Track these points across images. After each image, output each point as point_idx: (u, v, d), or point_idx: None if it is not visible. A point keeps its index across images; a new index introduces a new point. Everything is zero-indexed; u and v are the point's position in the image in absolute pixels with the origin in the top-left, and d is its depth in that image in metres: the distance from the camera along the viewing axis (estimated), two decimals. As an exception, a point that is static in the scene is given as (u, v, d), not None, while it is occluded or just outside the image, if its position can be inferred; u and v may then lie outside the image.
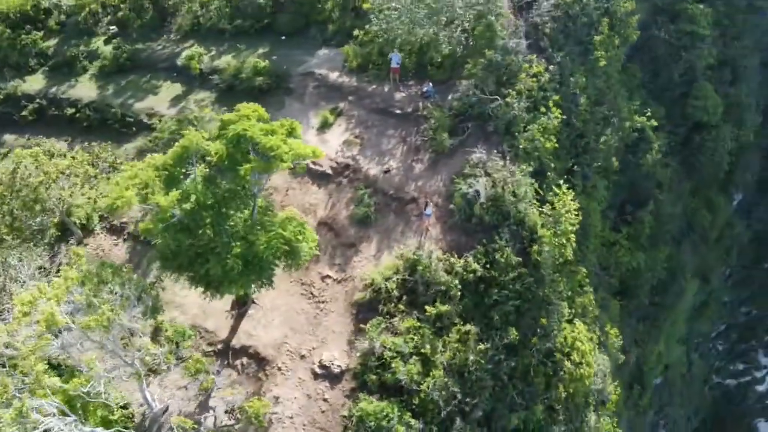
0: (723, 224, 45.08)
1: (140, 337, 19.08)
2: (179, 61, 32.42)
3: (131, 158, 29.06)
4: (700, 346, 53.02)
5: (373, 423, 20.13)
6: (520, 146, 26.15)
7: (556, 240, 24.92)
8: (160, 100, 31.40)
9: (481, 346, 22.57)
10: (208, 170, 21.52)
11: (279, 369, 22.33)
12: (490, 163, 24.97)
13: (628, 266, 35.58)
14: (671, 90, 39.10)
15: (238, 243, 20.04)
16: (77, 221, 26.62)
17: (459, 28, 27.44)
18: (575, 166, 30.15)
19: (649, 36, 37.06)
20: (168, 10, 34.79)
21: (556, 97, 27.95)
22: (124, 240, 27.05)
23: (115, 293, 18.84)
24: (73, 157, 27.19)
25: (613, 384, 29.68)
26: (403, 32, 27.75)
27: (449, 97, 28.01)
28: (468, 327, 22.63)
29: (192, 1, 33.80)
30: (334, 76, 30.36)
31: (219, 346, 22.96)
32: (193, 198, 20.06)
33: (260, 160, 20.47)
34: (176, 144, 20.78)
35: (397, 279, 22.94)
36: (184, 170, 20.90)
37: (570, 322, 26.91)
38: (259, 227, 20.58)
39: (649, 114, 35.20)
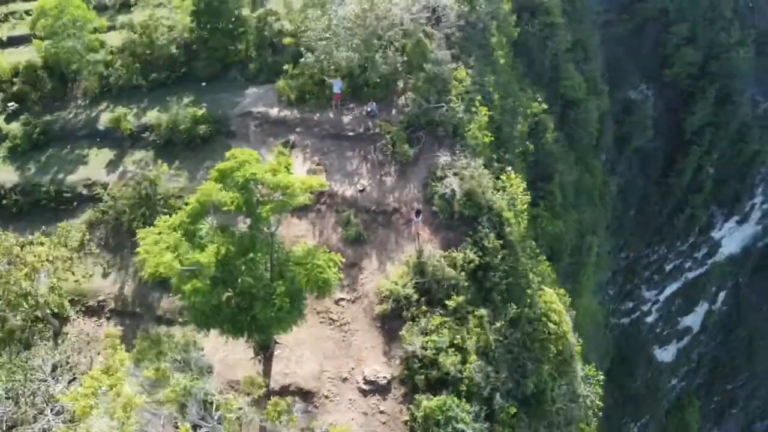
0: (601, 183, 51.72)
1: (210, 398, 18.71)
2: (101, 126, 31.09)
3: (81, 234, 27.46)
4: (597, 294, 59.92)
5: (440, 417, 21.42)
6: (469, 144, 28.93)
7: (516, 219, 28.14)
8: (93, 168, 29.82)
9: (497, 325, 24.93)
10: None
11: (326, 397, 22.77)
12: (457, 163, 27.35)
13: (552, 233, 40.04)
14: (544, 75, 44.42)
15: (279, 282, 20.37)
16: (50, 310, 24.67)
17: (391, 49, 29.51)
18: (504, 155, 33.64)
19: (521, 31, 41.90)
20: (68, 76, 32.93)
21: (479, 98, 31.11)
22: (108, 318, 25.59)
23: (175, 360, 18.34)
24: (43, 243, 25.11)
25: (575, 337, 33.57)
26: (341, 59, 29.29)
27: (393, 112, 30.07)
28: (481, 311, 24.79)
29: (94, 64, 32.31)
30: (274, 111, 30.93)
31: (259, 394, 22.77)
32: (223, 250, 20.04)
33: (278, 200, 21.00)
34: (193, 200, 20.52)
35: (412, 283, 24.42)
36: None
37: (540, 289, 30.25)
38: (289, 263, 21.00)
39: (539, 99, 39.98)
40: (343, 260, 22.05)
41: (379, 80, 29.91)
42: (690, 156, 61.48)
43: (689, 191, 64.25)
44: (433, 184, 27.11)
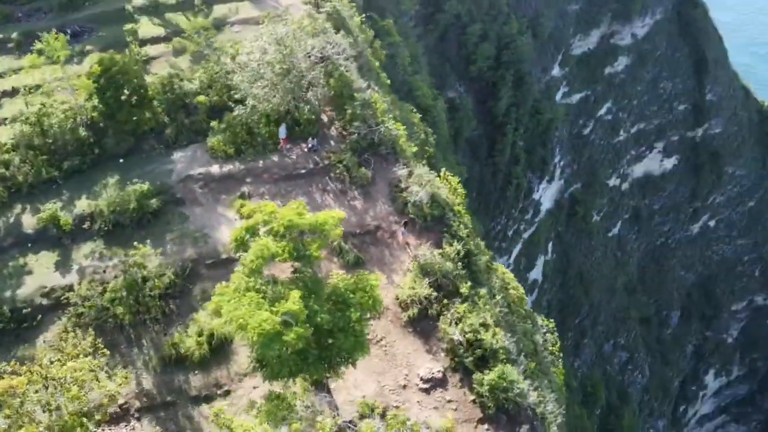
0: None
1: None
2: (29, 229, 28.20)
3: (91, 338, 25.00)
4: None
5: (503, 384, 24.18)
6: (407, 156, 32.06)
7: (465, 211, 32.19)
8: (42, 275, 27.00)
9: (497, 299, 28.51)
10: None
11: (397, 407, 24.11)
12: (415, 172, 30.23)
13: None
14: (402, 89, 49.15)
15: (351, 311, 21.44)
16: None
17: (319, 86, 31.34)
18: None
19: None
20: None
21: (392, 115, 34.40)
22: (138, 419, 23.84)
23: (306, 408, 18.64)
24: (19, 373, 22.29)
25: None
26: (276, 104, 30.41)
27: (331, 143, 31.93)
28: (482, 291, 28.08)
29: (-11, 166, 29.09)
30: (215, 169, 30.81)
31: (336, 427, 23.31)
32: (298, 294, 20.56)
33: (316, 238, 22.07)
34: (249, 258, 20.62)
35: (426, 284, 26.75)
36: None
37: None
38: (348, 292, 22.09)
39: (413, 110, 44.50)
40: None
41: (312, 117, 31.58)
42: (506, 136, 71.22)
43: (510, 165, 74.20)
44: (401, 195, 29.73)
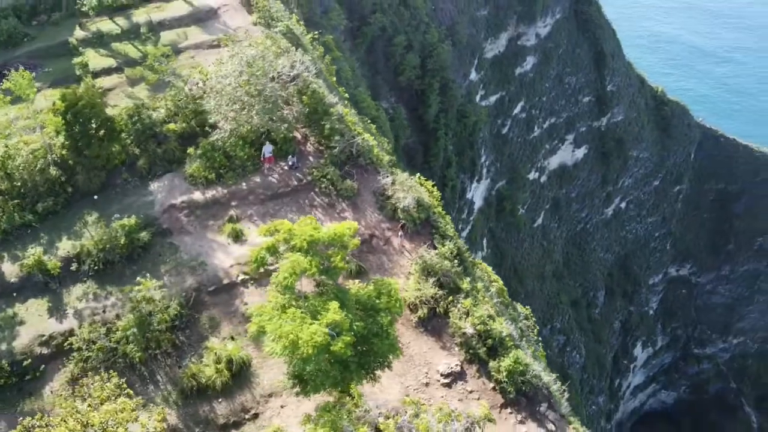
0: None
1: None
2: (13, 278, 26.74)
3: (63, 393, 23.97)
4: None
5: (520, 368, 25.55)
6: (384, 165, 33.04)
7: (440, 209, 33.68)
8: (36, 324, 25.67)
9: (492, 290, 30.00)
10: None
11: (423, 405, 24.90)
12: (397, 179, 31.21)
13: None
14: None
15: (381, 315, 22.06)
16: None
17: (294, 103, 31.70)
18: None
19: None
20: None
21: (359, 127, 35.30)
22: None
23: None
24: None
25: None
26: (256, 125, 30.50)
27: (309, 159, 32.34)
28: (479, 285, 29.46)
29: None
30: (198, 196, 30.43)
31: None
32: (336, 305, 20.96)
33: (337, 250, 22.61)
34: (282, 275, 20.78)
35: (431, 284, 27.74)
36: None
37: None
38: (374, 297, 22.68)
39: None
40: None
41: (289, 135, 31.88)
42: (438, 141, 73.61)
43: (444, 168, 76.61)
44: (388, 202, 30.63)
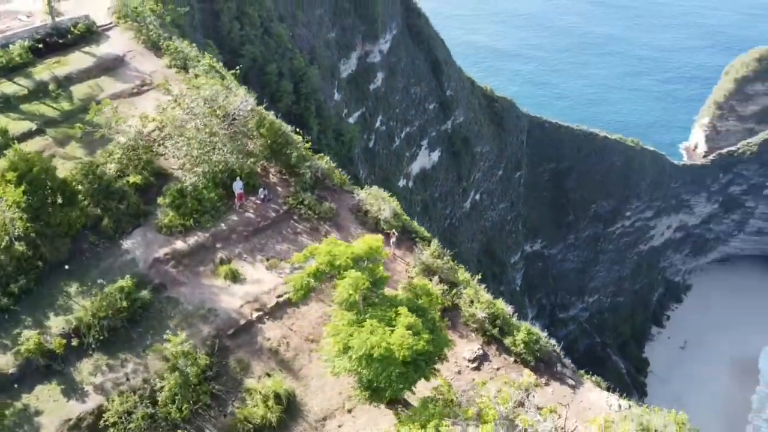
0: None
1: None
2: (12, 367, 24.16)
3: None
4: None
5: (534, 337, 28.37)
6: (346, 183, 34.47)
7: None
8: (59, 409, 23.53)
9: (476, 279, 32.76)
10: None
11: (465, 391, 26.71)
12: (370, 193, 32.75)
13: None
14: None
15: (431, 313, 23.60)
16: None
17: (257, 139, 31.85)
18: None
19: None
20: None
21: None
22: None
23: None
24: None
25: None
26: (224, 162, 30.28)
27: (278, 189, 32.67)
28: (467, 275, 31.98)
29: None
30: (180, 245, 29.46)
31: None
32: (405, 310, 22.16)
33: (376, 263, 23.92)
34: (346, 293, 21.52)
35: (434, 282, 29.61)
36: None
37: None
38: (410, 298, 24.11)
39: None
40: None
41: (255, 169, 31.99)
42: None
43: (329, 187, 78.28)
44: (367, 216, 32.04)
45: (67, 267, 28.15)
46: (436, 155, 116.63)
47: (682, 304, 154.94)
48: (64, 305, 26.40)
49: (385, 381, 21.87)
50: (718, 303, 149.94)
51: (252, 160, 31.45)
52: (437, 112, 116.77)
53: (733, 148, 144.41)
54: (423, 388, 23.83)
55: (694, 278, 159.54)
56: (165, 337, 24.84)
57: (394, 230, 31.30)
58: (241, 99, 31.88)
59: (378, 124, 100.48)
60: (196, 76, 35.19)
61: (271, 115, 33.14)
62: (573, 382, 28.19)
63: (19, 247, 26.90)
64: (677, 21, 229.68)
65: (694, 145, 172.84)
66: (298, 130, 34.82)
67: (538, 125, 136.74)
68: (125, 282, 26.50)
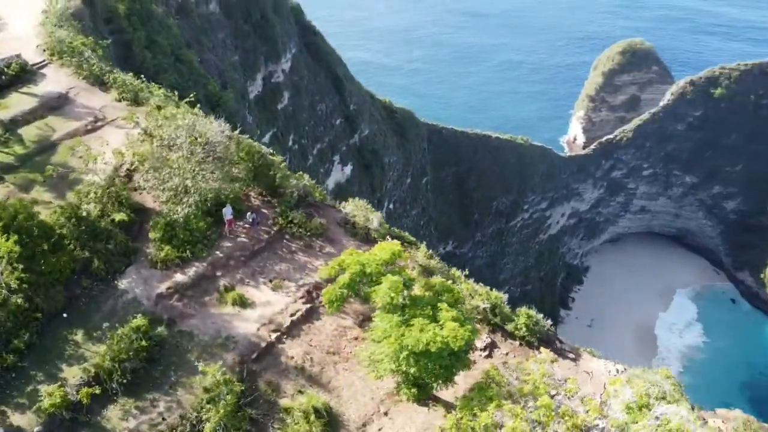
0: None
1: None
2: (37, 426, 22.69)
3: None
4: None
5: (534, 319, 30.49)
6: (326, 197, 35.24)
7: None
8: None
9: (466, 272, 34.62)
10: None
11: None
12: (357, 204, 33.65)
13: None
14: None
15: (458, 308, 24.98)
16: None
17: (241, 164, 31.80)
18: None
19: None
20: None
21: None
22: None
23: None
24: None
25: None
26: (214, 192, 30.04)
27: (263, 211, 32.74)
28: (457, 272, 33.71)
29: None
30: (181, 278, 28.83)
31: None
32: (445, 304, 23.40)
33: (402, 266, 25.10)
34: (387, 297, 22.37)
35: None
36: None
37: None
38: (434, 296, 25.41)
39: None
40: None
41: (239, 193, 31.95)
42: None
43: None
44: (356, 228, 32.91)
45: (65, 315, 26.78)
46: (348, 169, 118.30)
47: (583, 285, 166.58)
48: (74, 354, 25.16)
49: (433, 375, 23.03)
50: (614, 279, 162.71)
51: (238, 184, 31.38)
52: (344, 126, 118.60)
53: (611, 136, 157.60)
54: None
55: (591, 259, 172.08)
56: (200, 368, 24.40)
57: (389, 237, 32.40)
58: (218, 125, 31.70)
59: (290, 143, 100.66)
60: (159, 107, 34.49)
61: (248, 139, 33.15)
62: (573, 356, 30.61)
63: (17, 300, 25.29)
64: (544, 25, 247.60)
65: (573, 138, 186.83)
66: (272, 152, 34.96)
67: (436, 132, 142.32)
68: (140, 321, 25.68)
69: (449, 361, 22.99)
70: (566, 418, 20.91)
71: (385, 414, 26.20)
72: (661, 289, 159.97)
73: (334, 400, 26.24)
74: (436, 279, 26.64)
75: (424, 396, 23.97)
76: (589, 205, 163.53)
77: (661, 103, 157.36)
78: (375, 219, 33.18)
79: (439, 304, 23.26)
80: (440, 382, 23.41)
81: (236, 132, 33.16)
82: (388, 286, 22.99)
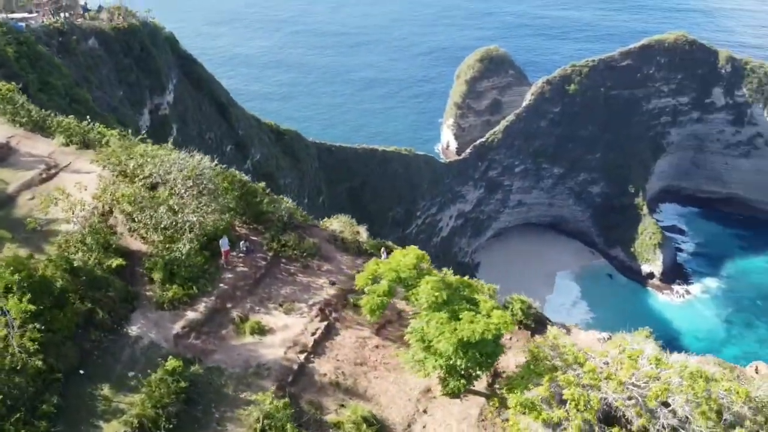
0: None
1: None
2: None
3: None
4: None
5: (527, 304, 33.01)
6: (308, 217, 35.87)
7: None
8: None
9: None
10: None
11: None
12: (342, 221, 34.43)
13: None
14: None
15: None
16: None
17: (229, 195, 31.45)
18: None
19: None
20: None
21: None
22: None
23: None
24: None
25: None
26: (213, 225, 29.61)
27: (252, 238, 32.59)
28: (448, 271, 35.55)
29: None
30: (192, 315, 28.13)
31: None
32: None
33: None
34: (430, 297, 23.68)
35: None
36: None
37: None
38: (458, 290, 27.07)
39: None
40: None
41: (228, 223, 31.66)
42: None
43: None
44: (346, 242, 33.76)
45: (81, 372, 25.29)
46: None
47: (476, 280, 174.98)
48: (108, 410, 23.88)
49: (478, 364, 24.64)
50: (502, 271, 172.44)
51: (230, 214, 31.14)
52: (235, 153, 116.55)
53: (483, 139, 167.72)
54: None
55: (480, 256, 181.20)
56: (254, 397, 24.17)
57: (383, 248, 33.57)
58: (201, 158, 31.30)
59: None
60: (125, 146, 33.27)
61: (233, 169, 32.94)
62: (565, 331, 33.53)
63: (35, 362, 23.59)
64: (401, 42, 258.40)
65: (446, 144, 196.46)
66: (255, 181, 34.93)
67: (325, 150, 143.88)
68: (174, 362, 24.87)
69: (493, 348, 24.72)
70: (611, 378, 23.40)
71: (425, 412, 27.35)
72: (544, 274, 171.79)
73: (375, 408, 26.96)
74: (450, 276, 28.30)
75: (470, 385, 25.48)
76: (473, 205, 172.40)
77: (524, 104, 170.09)
78: (363, 232, 34.25)
79: (476, 296, 24.95)
80: (483, 369, 25.05)
81: (214, 163, 32.81)
82: (430, 286, 24.32)
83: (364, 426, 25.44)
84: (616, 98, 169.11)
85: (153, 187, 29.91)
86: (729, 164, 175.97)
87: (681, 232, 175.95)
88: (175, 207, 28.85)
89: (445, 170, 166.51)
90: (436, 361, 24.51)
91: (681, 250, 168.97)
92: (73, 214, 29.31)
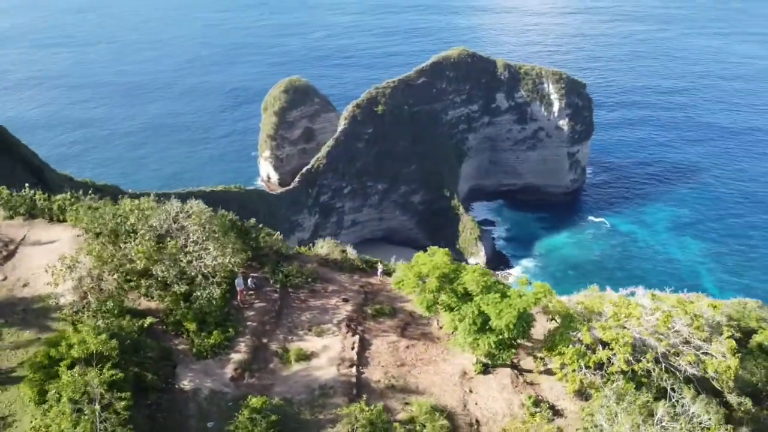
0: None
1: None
2: None
3: None
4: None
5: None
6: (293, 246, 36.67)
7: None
8: None
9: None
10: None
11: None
12: (325, 244, 35.84)
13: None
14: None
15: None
16: None
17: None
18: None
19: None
20: None
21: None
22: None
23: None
24: None
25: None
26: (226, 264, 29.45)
27: (258, 276, 32.72)
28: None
29: None
30: (236, 357, 27.86)
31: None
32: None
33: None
34: (478, 285, 26.79)
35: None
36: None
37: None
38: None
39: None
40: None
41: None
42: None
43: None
44: (339, 262, 35.29)
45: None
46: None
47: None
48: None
49: (521, 333, 28.30)
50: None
51: (246, 254, 31.14)
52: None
53: (309, 166, 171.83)
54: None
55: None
56: (344, 411, 25.12)
57: (379, 263, 35.64)
58: (198, 203, 30.91)
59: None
60: (93, 208, 31.40)
61: (222, 211, 32.68)
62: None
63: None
64: (197, 86, 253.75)
65: (267, 177, 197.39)
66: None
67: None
68: (255, 401, 24.82)
69: (531, 318, 28.58)
70: (633, 320, 28.51)
71: (470, 391, 30.26)
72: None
73: (431, 399, 29.22)
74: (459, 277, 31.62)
75: (515, 353, 28.95)
76: (311, 232, 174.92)
77: (339, 128, 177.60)
78: (352, 250, 36.05)
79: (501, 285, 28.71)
80: (525, 338, 28.80)
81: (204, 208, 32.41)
82: (475, 277, 27.47)
83: (437, 414, 27.63)
84: (419, 113, 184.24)
85: (159, 239, 28.90)
86: (520, 158, 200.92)
87: (493, 224, 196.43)
88: (195, 254, 28.35)
89: (278, 201, 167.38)
90: (488, 338, 27.65)
91: (497, 239, 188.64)
92: (63, 281, 27.26)
